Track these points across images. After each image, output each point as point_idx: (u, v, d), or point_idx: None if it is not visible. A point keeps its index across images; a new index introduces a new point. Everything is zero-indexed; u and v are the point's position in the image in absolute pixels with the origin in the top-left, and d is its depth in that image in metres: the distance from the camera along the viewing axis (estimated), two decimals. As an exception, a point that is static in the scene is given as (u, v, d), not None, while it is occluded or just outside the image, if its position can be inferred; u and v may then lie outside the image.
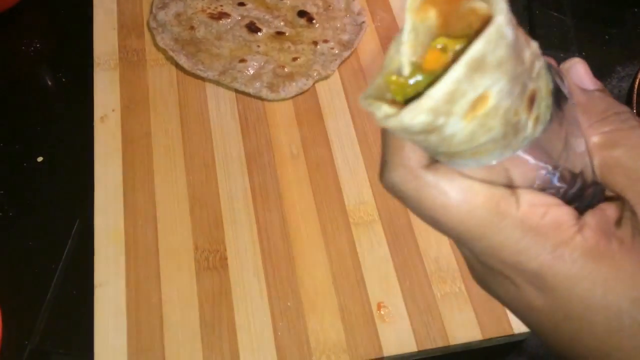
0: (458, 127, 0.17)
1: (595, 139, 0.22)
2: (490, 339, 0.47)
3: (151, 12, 0.64)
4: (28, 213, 0.54)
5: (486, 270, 0.22)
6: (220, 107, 0.59)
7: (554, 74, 0.20)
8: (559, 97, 0.20)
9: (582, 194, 0.22)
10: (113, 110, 0.58)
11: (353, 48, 0.63)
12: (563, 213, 0.20)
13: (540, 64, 0.19)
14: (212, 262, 0.50)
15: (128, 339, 0.46)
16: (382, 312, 0.48)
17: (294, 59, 0.61)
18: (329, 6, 0.66)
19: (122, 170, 0.54)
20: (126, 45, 0.62)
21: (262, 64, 0.61)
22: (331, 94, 0.60)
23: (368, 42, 0.64)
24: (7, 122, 0.59)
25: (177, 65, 0.61)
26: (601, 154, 0.22)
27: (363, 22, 0.65)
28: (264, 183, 0.54)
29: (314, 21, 0.65)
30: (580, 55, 0.68)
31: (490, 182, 0.20)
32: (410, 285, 0.49)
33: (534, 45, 0.18)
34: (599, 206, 0.21)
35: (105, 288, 0.48)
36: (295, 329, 0.47)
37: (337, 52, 0.62)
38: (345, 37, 0.64)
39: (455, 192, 0.20)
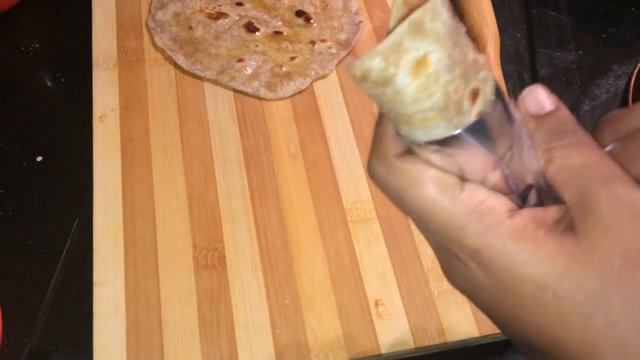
0: (405, 81, 0.21)
1: (545, 154, 0.25)
2: (487, 336, 0.47)
3: (150, 12, 0.65)
4: (27, 212, 0.54)
5: (443, 253, 0.26)
6: (219, 106, 0.59)
7: (501, 95, 0.24)
8: (507, 114, 0.24)
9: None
10: (112, 110, 0.58)
11: (350, 47, 0.63)
12: (499, 202, 0.24)
13: (485, 74, 0.23)
14: (210, 260, 0.50)
15: (127, 336, 0.46)
16: (379, 310, 0.48)
17: (292, 59, 0.62)
18: (327, 6, 0.66)
19: (121, 169, 0.54)
20: (125, 45, 0.63)
21: (260, 63, 0.61)
22: (329, 93, 0.60)
23: (365, 42, 0.65)
24: (6, 122, 0.60)
25: (176, 65, 0.61)
26: (549, 167, 0.25)
27: (360, 21, 0.65)
28: (262, 182, 0.54)
29: (311, 21, 0.65)
30: (577, 54, 0.69)
31: (445, 171, 0.24)
32: (407, 282, 0.49)
33: (482, 58, 0.23)
34: (542, 207, 0.25)
35: (104, 286, 0.48)
36: (293, 326, 0.47)
37: (334, 51, 0.63)
38: (342, 36, 0.64)
39: (414, 176, 0.24)
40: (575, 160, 0.24)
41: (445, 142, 0.23)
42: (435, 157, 0.24)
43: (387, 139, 0.25)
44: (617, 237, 0.22)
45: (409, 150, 0.24)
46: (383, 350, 0.46)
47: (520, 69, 0.68)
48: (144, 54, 0.62)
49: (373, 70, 0.21)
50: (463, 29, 0.22)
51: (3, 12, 0.67)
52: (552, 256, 0.22)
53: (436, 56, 0.21)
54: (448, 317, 0.48)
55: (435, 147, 0.23)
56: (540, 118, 0.26)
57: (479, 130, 0.23)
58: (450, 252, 0.25)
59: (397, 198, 0.25)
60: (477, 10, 0.65)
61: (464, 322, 0.48)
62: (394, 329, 0.47)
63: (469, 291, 0.25)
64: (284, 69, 0.61)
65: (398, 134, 0.24)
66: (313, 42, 0.63)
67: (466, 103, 0.22)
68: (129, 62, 0.61)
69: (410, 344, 0.47)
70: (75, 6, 0.68)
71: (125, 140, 0.56)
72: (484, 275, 0.24)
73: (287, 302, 0.48)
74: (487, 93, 0.23)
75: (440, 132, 0.23)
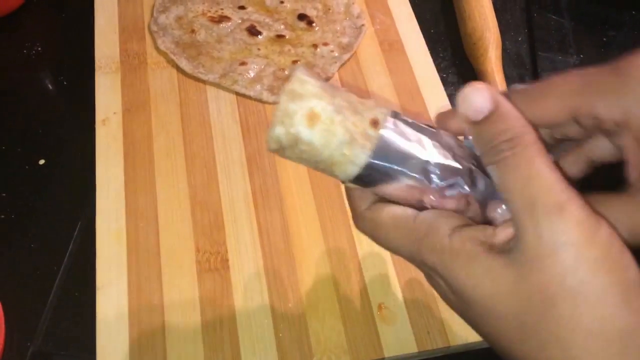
0: (308, 132, 0.26)
1: (490, 171, 0.26)
2: (490, 340, 0.47)
3: (152, 15, 0.65)
4: (30, 215, 0.54)
5: (425, 274, 0.29)
6: (221, 109, 0.59)
7: (404, 121, 0.28)
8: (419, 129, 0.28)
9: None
10: (114, 113, 0.58)
11: (352, 51, 0.64)
12: (442, 222, 0.26)
13: (380, 109, 0.28)
14: (213, 263, 0.50)
15: (130, 340, 0.46)
16: (382, 313, 0.48)
17: (294, 62, 0.62)
18: (329, 9, 0.67)
19: (124, 172, 0.54)
20: (127, 48, 0.63)
21: (262, 66, 0.61)
22: (331, 97, 0.60)
23: (367, 45, 0.65)
24: (9, 125, 0.60)
25: (178, 68, 0.61)
26: (495, 181, 0.26)
27: (362, 25, 0.66)
28: (264, 185, 0.54)
29: (313, 24, 0.65)
30: (578, 58, 0.69)
31: (405, 206, 0.28)
32: (410, 286, 0.49)
33: (371, 101, 0.28)
34: (495, 226, 0.26)
35: (107, 290, 0.48)
36: (296, 329, 0.47)
37: (336, 54, 0.63)
38: (344, 40, 0.64)
39: (375, 220, 0.29)
40: (508, 183, 0.24)
41: (381, 175, 0.27)
42: (394, 189, 0.28)
43: (355, 200, 0.30)
44: (539, 272, 0.23)
45: (374, 202, 0.29)
46: (386, 354, 0.46)
47: (521, 73, 0.68)
48: (146, 57, 0.62)
49: (281, 136, 0.26)
50: (340, 88, 0.28)
51: (5, 15, 0.67)
52: (481, 277, 0.24)
53: (320, 106, 0.26)
54: (451, 320, 0.48)
55: (377, 175, 0.28)
56: (479, 125, 0.25)
57: (391, 147, 0.27)
58: (427, 274, 0.28)
59: (373, 240, 0.29)
60: (479, 13, 0.65)
61: (467, 326, 0.47)
62: (397, 332, 0.47)
63: (446, 302, 0.28)
64: (286, 72, 0.61)
65: (344, 183, 0.29)
66: (315, 46, 0.63)
67: (370, 130, 0.27)
68: (132, 66, 0.62)
69: (414, 348, 0.47)
70: (77, 9, 0.68)
71: (128, 143, 0.56)
72: (448, 289, 0.26)
73: (290, 305, 0.48)
74: (384, 118, 0.28)
75: (363, 158, 0.27)
